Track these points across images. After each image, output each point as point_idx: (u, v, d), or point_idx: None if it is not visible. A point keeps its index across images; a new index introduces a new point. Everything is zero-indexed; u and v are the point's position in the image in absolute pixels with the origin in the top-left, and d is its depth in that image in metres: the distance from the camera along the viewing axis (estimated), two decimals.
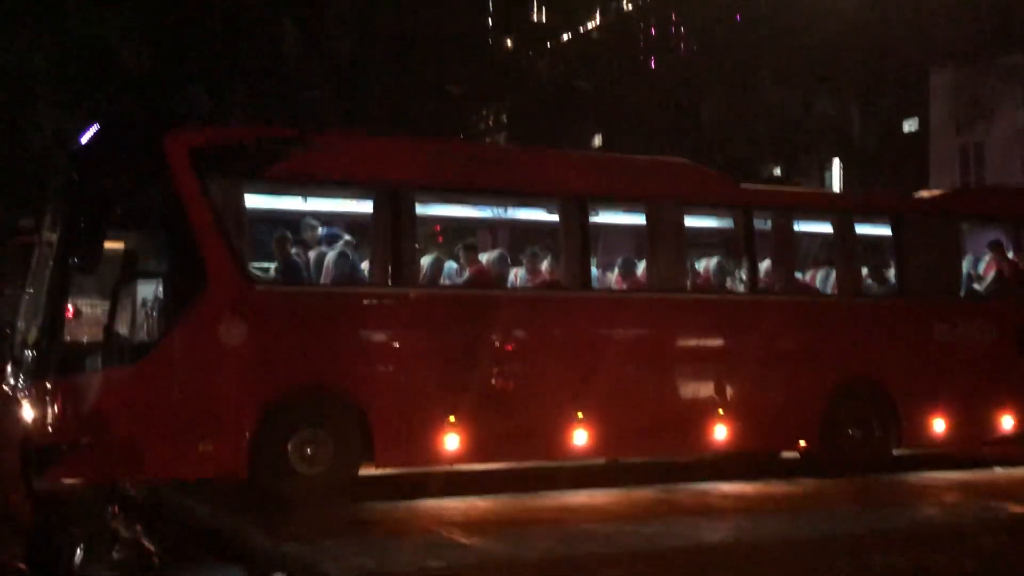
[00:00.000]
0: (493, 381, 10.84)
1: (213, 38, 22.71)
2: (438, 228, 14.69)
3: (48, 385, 9.34)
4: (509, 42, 28.92)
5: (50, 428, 9.24)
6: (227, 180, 10.10)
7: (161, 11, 22.20)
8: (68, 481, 8.92)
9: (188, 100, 21.74)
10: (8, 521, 4.90)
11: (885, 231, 13.35)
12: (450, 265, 11.71)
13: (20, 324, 10.22)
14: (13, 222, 19.85)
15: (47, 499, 5.33)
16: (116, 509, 5.03)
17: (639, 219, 12.23)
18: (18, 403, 5.42)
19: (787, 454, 13.16)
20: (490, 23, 27.82)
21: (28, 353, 9.69)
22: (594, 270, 12.01)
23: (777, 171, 27.13)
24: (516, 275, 12.18)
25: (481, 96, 27.16)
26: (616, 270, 12.39)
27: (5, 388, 7.53)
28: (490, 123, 29.98)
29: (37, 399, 9.31)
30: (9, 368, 9.98)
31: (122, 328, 9.86)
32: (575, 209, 11.46)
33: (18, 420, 5.24)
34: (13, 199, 21.98)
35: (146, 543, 4.73)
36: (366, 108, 23.45)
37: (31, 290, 10.18)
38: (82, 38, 21.31)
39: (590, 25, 29.90)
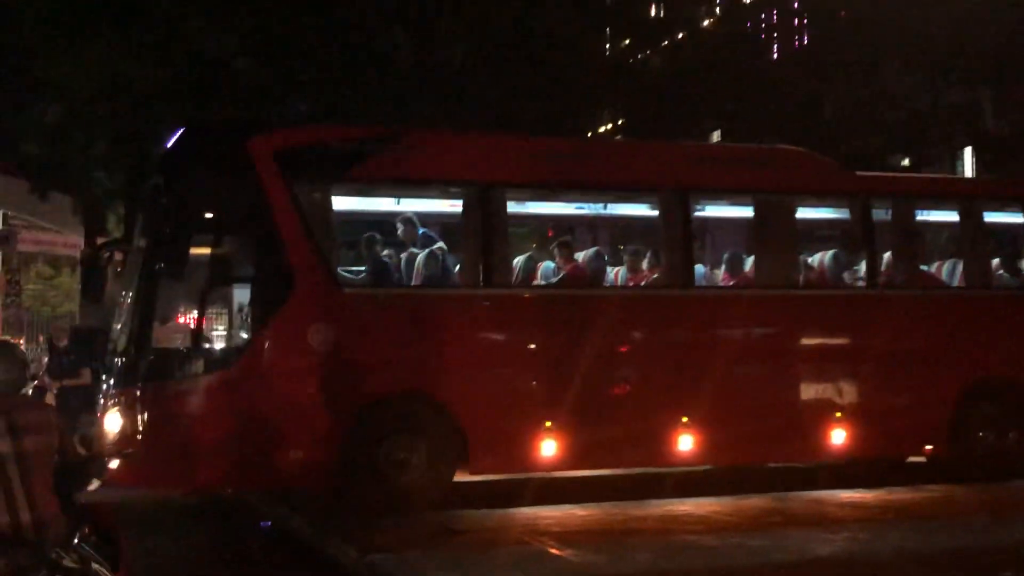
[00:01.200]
0: (591, 385, 10.28)
1: (326, 48, 22.70)
2: (549, 227, 14.23)
3: (135, 392, 9.22)
4: (618, 41, 28.32)
5: (138, 436, 9.12)
6: (314, 182, 9.88)
7: (275, 24, 22.30)
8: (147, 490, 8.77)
9: (298, 110, 21.78)
10: (41, 534, 4.57)
11: (1017, 219, 12.36)
12: (547, 265, 11.23)
13: (113, 332, 10.13)
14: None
15: (87, 514, 4.98)
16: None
17: (746, 212, 11.63)
18: (55, 414, 5.10)
19: (912, 459, 12.26)
20: (601, 23, 27.21)
21: (117, 361, 9.57)
22: (699, 267, 11.42)
23: (905, 162, 25.82)
24: (617, 274, 11.61)
25: (595, 96, 26.59)
26: (723, 266, 11.75)
27: (47, 400, 7.31)
28: (607, 127, 29.43)
29: (125, 406, 9.20)
30: (103, 376, 9.89)
31: (209, 334, 9.69)
32: (677, 203, 10.90)
33: (55, 432, 4.90)
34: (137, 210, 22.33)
35: None
36: (477, 114, 23.15)
37: (123, 297, 10.07)
38: (199, 53, 21.54)
39: (707, 20, 29.01)
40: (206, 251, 9.53)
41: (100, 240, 21.66)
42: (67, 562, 4.23)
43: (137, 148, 21.91)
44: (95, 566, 4.30)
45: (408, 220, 10.91)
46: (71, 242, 33.67)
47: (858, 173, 12.26)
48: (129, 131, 21.97)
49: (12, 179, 25.60)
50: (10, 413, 4.75)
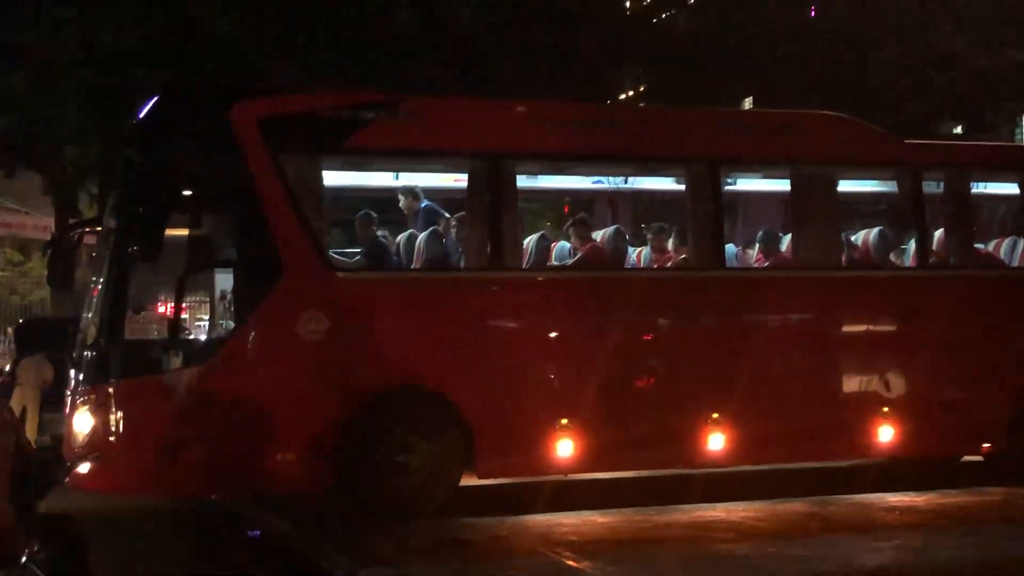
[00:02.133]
0: (611, 378, 10.21)
1: (317, 4, 22.61)
2: (564, 203, 14.19)
3: (105, 389, 9.17)
4: None
5: (111, 437, 9.08)
6: (303, 154, 9.80)
7: None
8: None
9: (287, 74, 21.71)
10: None
11: None
12: (562, 245, 11.16)
13: (82, 322, 10.07)
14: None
15: (47, 524, 4.91)
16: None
17: (783, 185, 11.56)
18: (11, 413, 5.03)
19: (968, 459, 12.18)
20: None
21: (87, 354, 9.51)
22: (730, 246, 11.36)
23: (958, 129, 25.65)
24: (640, 254, 11.53)
25: (615, 57, 26.45)
26: (756, 245, 11.66)
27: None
28: (629, 92, 29.32)
29: (95, 404, 9.15)
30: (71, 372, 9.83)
31: (188, 324, 9.62)
32: (706, 176, 10.79)
33: (11, 433, 4.82)
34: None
35: None
36: (485, 78, 23.02)
37: (93, 283, 10.01)
38: (177, 14, 21.49)
39: None
40: (184, 232, 9.45)
41: (72, 221, 21.66)
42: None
43: (111, 120, 21.88)
44: None
45: (410, 191, 10.86)
46: (42, 224, 33.73)
47: (907, 141, 12.12)
48: (103, 101, 21.94)
49: None
50: None
